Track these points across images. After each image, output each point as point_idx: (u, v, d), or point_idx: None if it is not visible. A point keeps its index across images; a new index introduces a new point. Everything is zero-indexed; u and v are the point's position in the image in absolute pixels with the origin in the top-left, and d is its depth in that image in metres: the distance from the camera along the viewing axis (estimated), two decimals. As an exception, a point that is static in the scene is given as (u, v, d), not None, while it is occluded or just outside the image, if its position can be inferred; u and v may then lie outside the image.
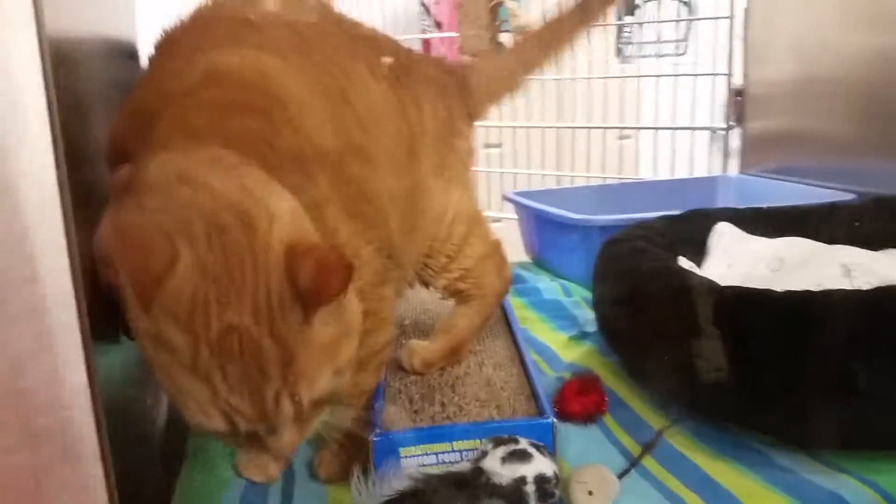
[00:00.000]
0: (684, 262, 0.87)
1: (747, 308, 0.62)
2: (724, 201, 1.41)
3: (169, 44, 0.60)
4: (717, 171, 1.52)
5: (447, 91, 0.75)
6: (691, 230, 0.96)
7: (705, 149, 1.56)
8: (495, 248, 0.77)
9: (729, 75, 1.45)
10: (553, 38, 0.83)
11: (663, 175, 1.68)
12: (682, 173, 1.63)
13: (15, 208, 0.35)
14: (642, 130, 1.86)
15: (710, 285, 0.66)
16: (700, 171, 1.60)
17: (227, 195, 0.45)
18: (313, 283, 0.42)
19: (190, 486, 0.62)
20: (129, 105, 0.55)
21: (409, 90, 0.69)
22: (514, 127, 1.85)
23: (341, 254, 0.44)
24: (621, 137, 1.95)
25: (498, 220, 1.62)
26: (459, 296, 0.75)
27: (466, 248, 0.73)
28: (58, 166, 0.36)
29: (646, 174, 1.89)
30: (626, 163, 1.93)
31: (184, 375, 0.42)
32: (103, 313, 0.44)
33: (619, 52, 1.65)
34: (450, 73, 0.77)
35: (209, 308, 0.41)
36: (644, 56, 1.60)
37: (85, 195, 0.43)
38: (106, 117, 0.55)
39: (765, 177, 1.41)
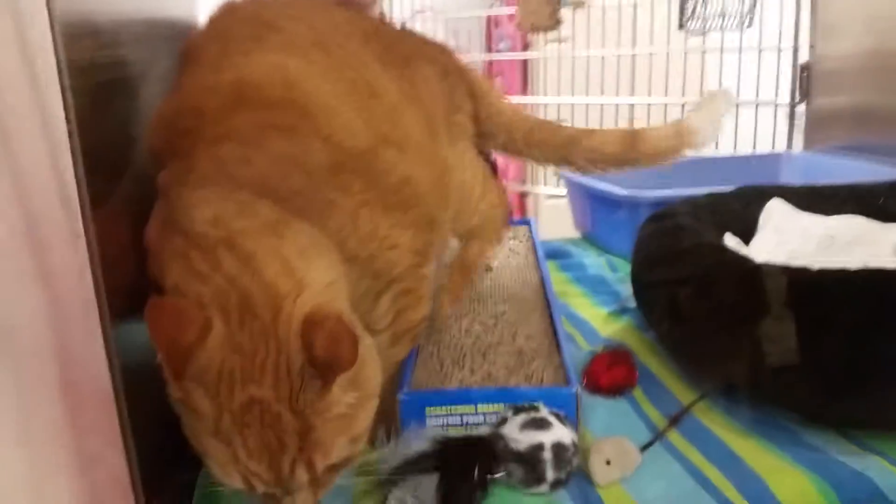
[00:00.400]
0: (730, 239, 0.86)
1: (768, 283, 0.61)
2: (787, 179, 1.37)
3: (195, 50, 0.63)
4: (781, 148, 1.48)
5: (447, 70, 0.79)
6: (742, 207, 0.94)
7: (770, 125, 1.51)
8: (501, 192, 0.88)
9: (795, 49, 1.40)
10: (544, 149, 0.86)
11: (726, 152, 1.63)
12: (746, 150, 1.58)
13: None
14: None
15: (745, 262, 0.66)
16: (764, 148, 1.55)
17: (265, 268, 0.47)
18: (327, 354, 0.44)
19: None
20: (162, 116, 0.58)
21: (417, 73, 0.72)
22: (573, 103, 1.83)
23: (347, 325, 0.45)
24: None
25: (558, 196, 1.61)
26: (471, 233, 0.85)
27: (482, 204, 0.82)
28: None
29: (710, 151, 1.85)
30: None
31: (208, 438, 0.45)
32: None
33: (682, 24, 1.60)
34: (446, 54, 0.83)
35: (233, 380, 0.44)
36: (708, 29, 1.55)
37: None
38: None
39: (831, 154, 1.36)
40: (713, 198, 0.92)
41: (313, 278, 0.49)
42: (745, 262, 0.66)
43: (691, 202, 0.88)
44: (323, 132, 0.56)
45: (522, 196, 2.93)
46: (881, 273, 0.60)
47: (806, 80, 1.41)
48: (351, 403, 0.47)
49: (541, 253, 0.97)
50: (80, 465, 0.41)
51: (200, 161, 0.52)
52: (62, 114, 0.40)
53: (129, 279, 0.51)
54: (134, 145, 0.58)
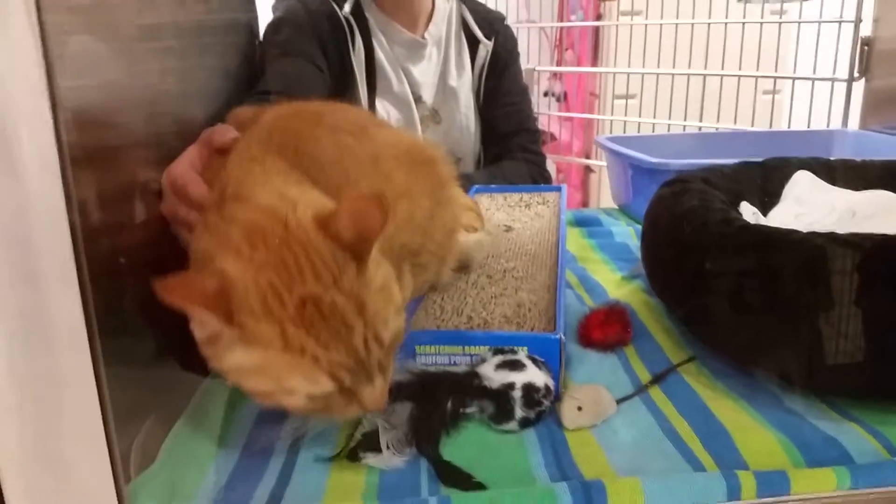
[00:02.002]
0: (746, 208, 0.86)
1: (764, 247, 0.62)
2: (839, 155, 1.32)
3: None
4: (837, 126, 1.43)
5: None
6: (766, 177, 0.93)
7: (828, 101, 1.47)
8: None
9: (857, 22, 1.35)
10: None
11: (783, 127, 1.60)
12: (802, 126, 1.54)
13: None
14: (773, 81, 1.77)
15: (740, 225, 0.66)
16: (821, 125, 1.51)
17: (261, 199, 0.51)
18: (355, 230, 0.47)
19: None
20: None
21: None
22: (642, 73, 1.81)
23: (366, 195, 0.48)
24: (759, 90, 1.86)
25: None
26: None
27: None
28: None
29: (788, 125, 1.80)
30: (753, 114, 1.84)
31: (283, 360, 0.46)
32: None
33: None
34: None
35: (278, 290, 0.46)
36: (769, 1, 1.51)
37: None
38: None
39: (887, 132, 1.32)
40: (737, 167, 0.91)
41: (307, 198, 0.52)
42: (737, 223, 0.66)
43: (711, 170, 0.88)
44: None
45: (587, 170, 2.92)
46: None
47: (866, 56, 1.36)
48: (384, 276, 0.50)
49: (563, 217, 0.99)
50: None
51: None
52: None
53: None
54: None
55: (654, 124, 1.79)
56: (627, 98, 2.23)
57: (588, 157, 2.77)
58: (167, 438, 0.57)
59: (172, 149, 0.66)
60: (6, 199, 0.37)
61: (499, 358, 0.60)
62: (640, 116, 2.02)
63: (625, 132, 2.05)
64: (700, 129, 1.66)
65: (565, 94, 2.95)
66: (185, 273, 0.50)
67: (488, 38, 1.34)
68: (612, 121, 2.20)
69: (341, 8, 1.21)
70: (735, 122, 1.63)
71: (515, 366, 0.59)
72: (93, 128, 0.52)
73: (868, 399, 0.62)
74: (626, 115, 2.12)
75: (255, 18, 1.13)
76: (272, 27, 1.19)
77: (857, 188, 0.91)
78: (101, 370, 0.41)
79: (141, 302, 0.55)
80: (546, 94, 2.82)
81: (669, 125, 1.75)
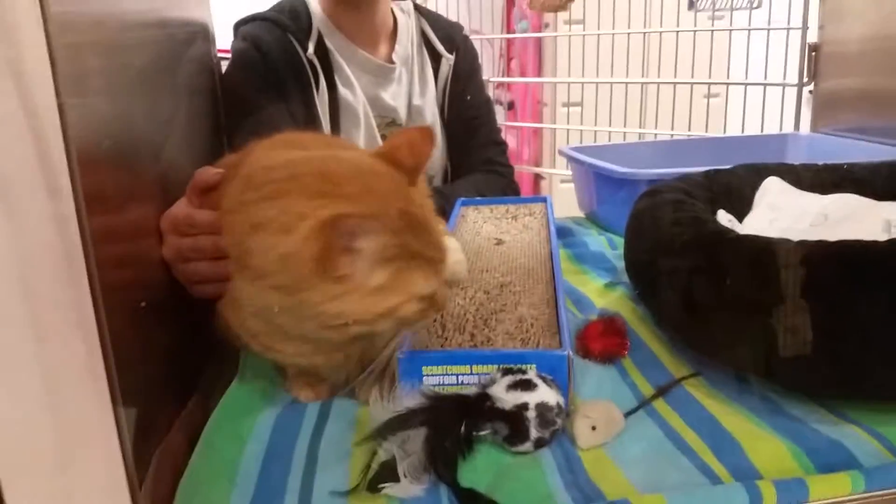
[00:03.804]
0: (723, 216, 0.88)
1: (752, 255, 0.63)
2: (793, 159, 1.37)
3: None
4: (789, 129, 1.48)
5: None
6: (739, 184, 0.95)
7: (780, 105, 1.52)
8: None
9: (804, 29, 1.40)
10: None
11: (735, 132, 1.64)
12: (754, 131, 1.59)
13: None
14: (719, 86, 1.82)
15: (724, 234, 0.67)
16: (774, 129, 1.56)
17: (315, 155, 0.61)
18: (412, 157, 0.60)
19: (238, 395, 0.68)
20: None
21: None
22: (583, 83, 1.84)
23: (416, 128, 0.63)
24: (707, 96, 1.91)
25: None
26: None
27: None
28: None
29: (721, 130, 1.85)
30: (701, 119, 1.89)
31: (411, 265, 0.56)
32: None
33: (691, 4, 1.60)
34: None
35: (385, 212, 0.54)
36: (718, 9, 1.55)
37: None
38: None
39: (837, 135, 1.37)
40: (709, 175, 0.93)
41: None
42: (726, 233, 0.67)
43: (687, 179, 0.90)
44: None
45: (537, 178, 2.95)
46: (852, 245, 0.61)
47: (814, 61, 1.41)
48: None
49: (553, 229, 0.99)
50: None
51: None
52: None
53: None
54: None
55: (609, 132, 1.81)
56: (569, 106, 2.25)
57: (538, 164, 2.80)
58: (181, 482, 0.55)
59: (142, 189, 0.65)
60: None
61: (509, 378, 0.59)
62: (581, 124, 2.05)
63: (568, 141, 2.08)
64: (656, 136, 1.69)
65: (512, 103, 2.98)
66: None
67: (450, 52, 1.33)
68: (561, 129, 2.22)
69: (305, 49, 1.17)
70: (689, 129, 1.66)
71: (527, 386, 0.58)
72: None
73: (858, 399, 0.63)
74: (571, 122, 2.15)
75: (215, 55, 1.11)
76: (230, 79, 1.14)
77: (824, 191, 0.94)
78: (122, 421, 0.39)
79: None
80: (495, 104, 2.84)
81: (624, 133, 1.78)
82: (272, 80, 1.14)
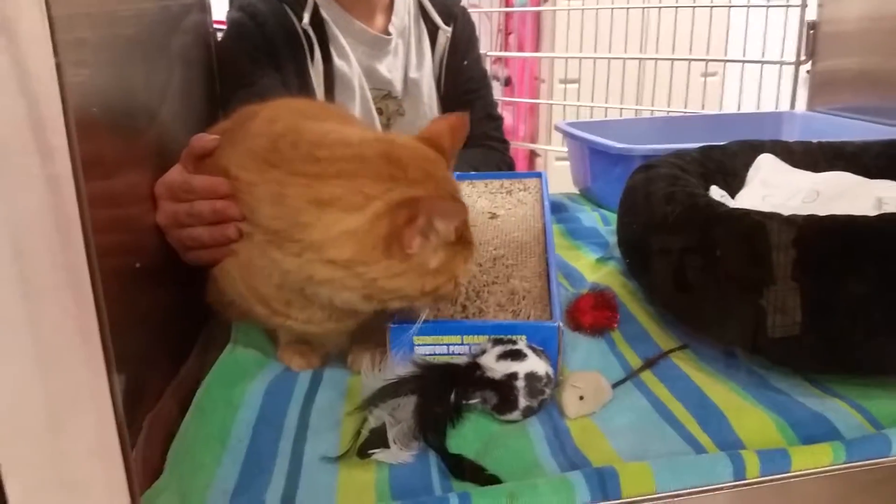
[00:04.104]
0: (716, 192, 0.88)
1: (728, 228, 0.64)
2: (788, 137, 1.37)
3: None
4: (785, 108, 1.48)
5: None
6: (733, 161, 0.95)
7: (777, 83, 1.52)
8: None
9: (803, 7, 1.39)
10: None
11: (733, 109, 1.64)
12: (751, 108, 1.59)
13: None
14: (716, 64, 1.81)
15: (714, 207, 0.68)
16: (770, 107, 1.56)
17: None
18: (452, 140, 0.65)
19: (230, 362, 0.69)
20: None
21: None
22: (581, 58, 1.83)
23: (456, 114, 0.68)
24: (704, 74, 1.90)
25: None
26: None
27: None
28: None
29: (718, 108, 1.85)
30: (698, 97, 1.89)
31: (444, 253, 0.59)
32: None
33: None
34: None
35: (447, 200, 0.60)
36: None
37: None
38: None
39: (832, 114, 1.37)
40: (703, 151, 0.94)
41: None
42: (717, 206, 0.68)
43: (680, 155, 0.90)
44: None
45: (532, 155, 2.94)
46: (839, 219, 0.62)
47: (812, 39, 1.40)
48: None
49: (547, 203, 0.99)
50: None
51: None
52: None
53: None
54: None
55: (605, 109, 1.81)
56: (567, 83, 2.25)
57: (534, 141, 2.80)
58: (172, 446, 0.56)
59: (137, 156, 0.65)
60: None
61: (500, 348, 0.60)
62: (578, 101, 2.04)
63: (565, 118, 2.08)
64: (652, 113, 1.69)
65: (509, 79, 2.97)
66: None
67: (447, 24, 1.32)
68: (557, 105, 2.22)
69: (300, 18, 1.16)
70: (686, 106, 1.66)
71: (517, 355, 0.59)
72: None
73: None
74: (569, 99, 2.14)
75: (211, 25, 1.10)
76: (225, 49, 1.14)
77: (818, 169, 0.94)
78: (115, 385, 0.40)
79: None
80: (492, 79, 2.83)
81: (621, 110, 1.78)
82: (267, 50, 1.13)
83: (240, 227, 0.62)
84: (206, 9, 1.06)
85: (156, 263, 0.66)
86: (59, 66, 0.36)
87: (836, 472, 0.53)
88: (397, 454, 0.54)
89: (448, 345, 0.64)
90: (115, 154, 0.57)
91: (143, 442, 0.53)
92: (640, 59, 1.72)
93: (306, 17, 1.16)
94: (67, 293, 0.39)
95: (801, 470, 0.52)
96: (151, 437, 0.55)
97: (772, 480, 0.52)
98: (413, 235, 0.56)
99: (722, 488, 0.51)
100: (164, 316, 0.67)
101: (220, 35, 1.16)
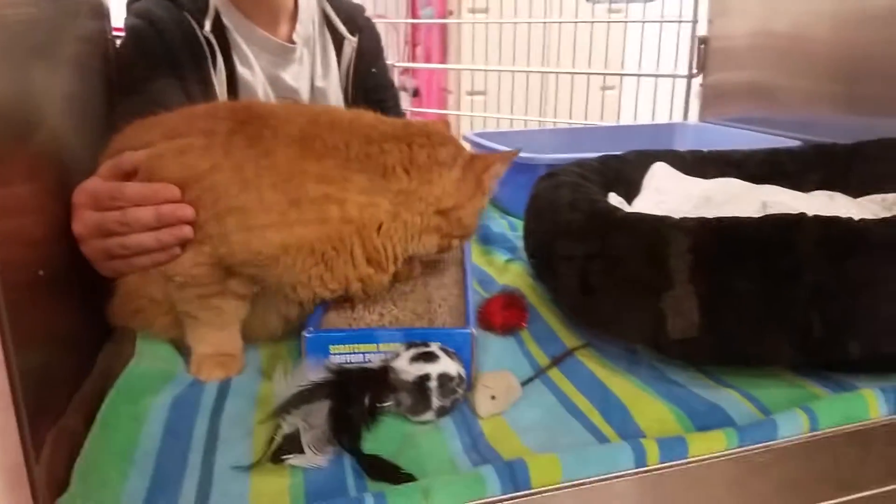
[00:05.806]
0: (614, 199, 0.92)
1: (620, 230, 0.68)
2: (680, 146, 1.45)
3: None
4: (678, 119, 1.56)
5: None
6: (630, 169, 1.00)
7: (671, 96, 1.60)
8: None
9: (694, 22, 1.48)
10: None
11: (630, 121, 1.72)
12: (646, 120, 1.66)
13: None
14: (613, 78, 1.89)
15: (613, 212, 0.71)
16: (664, 118, 1.64)
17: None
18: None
19: (135, 375, 0.67)
20: None
21: None
22: (486, 70, 1.87)
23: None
24: (603, 88, 1.98)
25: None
26: None
27: None
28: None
29: (616, 119, 1.93)
30: (597, 109, 1.96)
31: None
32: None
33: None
34: None
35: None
36: (614, 2, 1.62)
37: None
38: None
39: (722, 124, 1.45)
40: (602, 160, 0.98)
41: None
42: (615, 211, 0.71)
43: (581, 164, 0.94)
44: None
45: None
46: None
47: (703, 54, 1.49)
48: None
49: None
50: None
51: None
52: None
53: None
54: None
55: (511, 120, 1.85)
56: (474, 95, 2.29)
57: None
58: (77, 462, 0.53)
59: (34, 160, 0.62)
60: None
61: (412, 351, 0.61)
62: (485, 112, 2.09)
63: (472, 128, 2.12)
64: (555, 124, 1.75)
65: (417, 90, 3.00)
66: None
67: (353, 34, 1.33)
68: (465, 116, 2.25)
69: (202, 26, 1.13)
70: (586, 117, 1.72)
71: (429, 357, 0.60)
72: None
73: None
74: (475, 110, 2.19)
75: (110, 32, 1.06)
76: (124, 56, 1.10)
77: (708, 176, 1.00)
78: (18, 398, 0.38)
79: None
80: (400, 90, 2.85)
81: (526, 121, 1.83)
82: (167, 57, 1.10)
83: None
84: (104, 15, 1.03)
85: (58, 275, 0.64)
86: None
87: (730, 457, 0.56)
88: (312, 458, 0.54)
89: (364, 353, 0.64)
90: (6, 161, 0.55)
91: (48, 458, 0.51)
92: (542, 72, 1.77)
93: (208, 25, 1.14)
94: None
95: (697, 455, 0.56)
96: (56, 452, 0.53)
97: (671, 466, 0.55)
98: (491, 177, 0.73)
99: (625, 475, 0.53)
100: (66, 328, 0.64)
101: (119, 43, 1.13)
